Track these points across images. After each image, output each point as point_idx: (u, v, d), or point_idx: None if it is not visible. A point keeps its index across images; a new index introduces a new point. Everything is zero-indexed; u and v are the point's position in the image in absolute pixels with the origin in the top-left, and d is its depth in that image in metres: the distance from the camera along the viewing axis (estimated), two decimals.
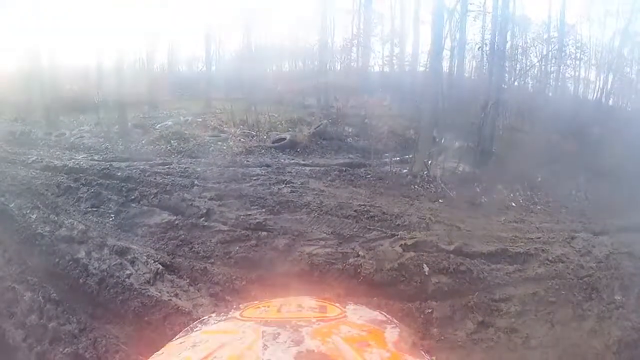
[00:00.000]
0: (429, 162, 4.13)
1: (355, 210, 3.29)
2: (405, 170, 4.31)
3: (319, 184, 3.91)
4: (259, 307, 0.76)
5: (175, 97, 6.17)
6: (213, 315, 0.76)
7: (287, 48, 6.55)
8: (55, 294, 2.79)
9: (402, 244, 2.85)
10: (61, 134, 5.12)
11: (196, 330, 0.68)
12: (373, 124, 4.96)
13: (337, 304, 0.74)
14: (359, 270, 2.68)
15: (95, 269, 2.91)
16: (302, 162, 4.54)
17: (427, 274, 2.60)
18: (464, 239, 2.95)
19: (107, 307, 2.68)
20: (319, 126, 5.01)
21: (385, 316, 0.73)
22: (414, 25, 5.87)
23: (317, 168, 4.31)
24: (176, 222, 3.31)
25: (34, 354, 2.44)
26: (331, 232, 3.04)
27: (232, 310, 0.77)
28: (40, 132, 5.18)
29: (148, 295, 2.65)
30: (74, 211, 3.49)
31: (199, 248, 3.06)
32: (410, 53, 6.01)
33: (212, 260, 2.99)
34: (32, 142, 4.94)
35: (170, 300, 2.57)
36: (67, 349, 2.46)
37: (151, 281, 2.79)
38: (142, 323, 2.55)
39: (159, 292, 2.66)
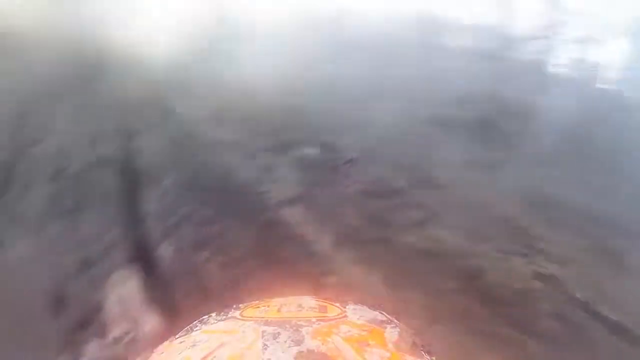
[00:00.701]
0: None
1: None
2: None
3: None
4: (259, 307, 0.77)
5: None
6: (213, 314, 0.78)
7: None
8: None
9: None
10: None
11: (196, 330, 0.69)
12: None
13: (337, 304, 0.75)
14: None
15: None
16: None
17: None
18: None
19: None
20: None
21: (386, 316, 0.74)
22: None
23: None
24: None
25: None
26: None
27: (232, 309, 0.78)
28: None
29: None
30: None
31: None
32: None
33: None
34: None
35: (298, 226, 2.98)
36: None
37: None
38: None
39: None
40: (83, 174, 3.59)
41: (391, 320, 0.71)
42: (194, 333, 0.68)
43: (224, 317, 0.74)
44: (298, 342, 0.55)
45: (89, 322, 2.36)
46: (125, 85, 5.29)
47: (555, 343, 2.23)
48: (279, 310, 0.73)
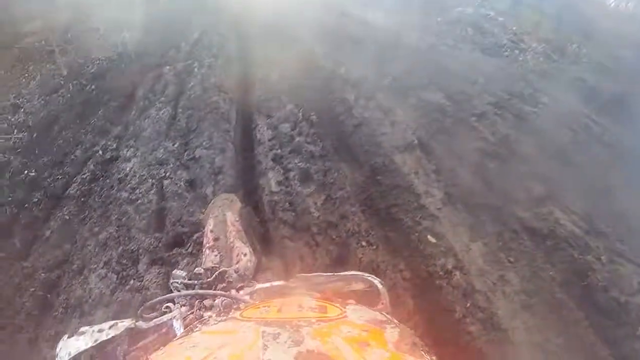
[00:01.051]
0: None
1: None
2: None
3: None
4: (259, 307, 0.76)
5: None
6: (213, 315, 0.77)
7: None
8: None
9: None
10: None
11: (196, 330, 0.69)
12: None
13: (338, 304, 0.74)
14: None
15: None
16: None
17: None
18: None
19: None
20: None
21: (386, 316, 0.73)
22: None
23: None
24: None
25: None
26: None
27: (233, 310, 0.77)
28: None
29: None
30: None
31: None
32: None
33: None
34: None
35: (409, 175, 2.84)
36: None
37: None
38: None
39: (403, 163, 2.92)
40: (201, 98, 3.67)
41: (391, 321, 0.69)
42: (194, 333, 0.67)
43: (224, 317, 0.73)
44: (298, 343, 0.55)
45: (184, 241, 2.42)
46: None
47: None
48: (279, 311, 0.71)
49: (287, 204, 2.57)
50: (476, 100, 3.75)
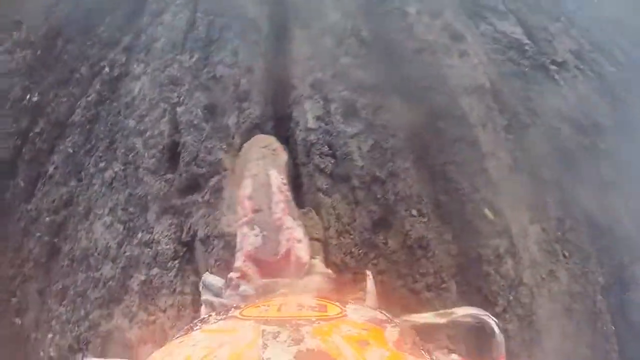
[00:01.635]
0: None
1: None
2: None
3: None
4: (259, 306, 0.78)
5: None
6: (213, 314, 0.78)
7: None
8: None
9: None
10: None
11: (196, 329, 0.71)
12: None
13: (338, 303, 0.76)
14: None
15: None
16: None
17: None
18: None
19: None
20: None
21: (386, 315, 0.74)
22: None
23: None
24: None
25: None
26: None
27: (232, 309, 0.78)
28: None
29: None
30: None
31: None
32: None
33: None
34: None
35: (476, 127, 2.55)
36: None
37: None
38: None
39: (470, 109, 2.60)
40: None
41: (391, 320, 0.71)
42: (194, 332, 0.69)
43: (224, 316, 0.74)
44: (298, 341, 0.56)
45: (200, 186, 2.23)
46: None
47: None
48: (279, 310, 0.73)
49: (325, 146, 2.29)
50: (557, 43, 3.08)
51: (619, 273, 2.33)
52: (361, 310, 0.73)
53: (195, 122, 2.42)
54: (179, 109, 2.49)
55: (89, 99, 2.82)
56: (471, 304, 2.04)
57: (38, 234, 2.37)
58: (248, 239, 1.25)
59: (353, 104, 2.45)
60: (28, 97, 2.95)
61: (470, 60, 2.76)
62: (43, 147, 2.70)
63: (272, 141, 1.74)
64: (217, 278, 1.11)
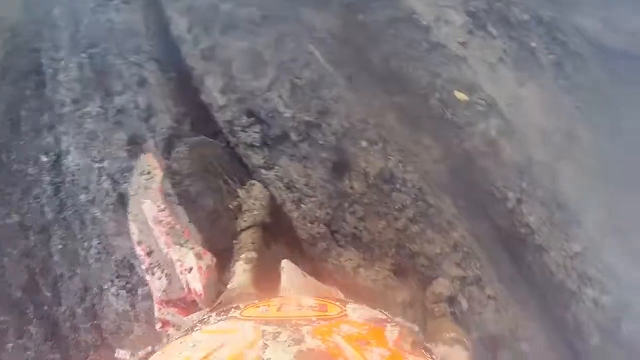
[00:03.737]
0: None
1: None
2: None
3: None
4: (258, 307, 0.81)
5: None
6: (213, 314, 0.80)
7: None
8: None
9: None
10: None
11: (196, 330, 0.73)
12: None
13: (338, 303, 0.80)
14: None
15: None
16: None
17: None
18: None
19: None
20: None
21: (386, 315, 0.79)
22: None
23: None
24: None
25: None
26: None
27: (232, 309, 0.80)
28: None
29: None
30: None
31: None
32: None
33: None
34: None
35: None
36: None
37: None
38: None
39: None
40: None
41: (391, 319, 0.77)
42: (193, 333, 0.73)
43: (224, 316, 0.79)
44: (298, 341, 0.58)
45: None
46: None
47: None
48: (279, 310, 0.78)
49: (244, 116, 1.87)
50: None
51: None
52: (361, 310, 0.77)
53: (124, 165, 2.04)
54: (105, 163, 2.17)
55: None
56: (474, 214, 1.80)
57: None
58: (154, 285, 1.30)
59: (259, 55, 2.03)
60: None
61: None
62: None
63: (148, 161, 1.66)
64: (128, 353, 1.08)
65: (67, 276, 2.56)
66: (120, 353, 1.24)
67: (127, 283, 2.28)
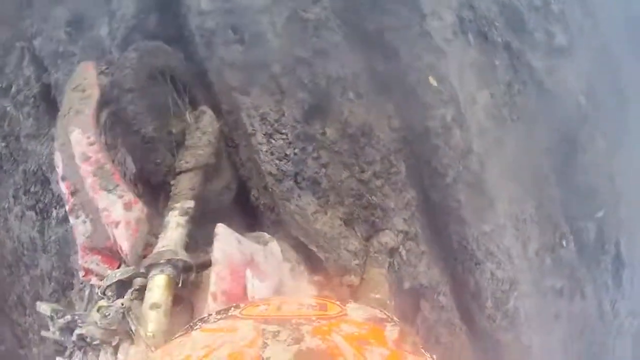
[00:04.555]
0: None
1: None
2: None
3: None
4: (258, 306, 0.80)
5: None
6: (213, 313, 0.80)
7: None
8: None
9: None
10: None
11: (196, 329, 0.72)
12: None
13: (338, 302, 0.79)
14: None
15: None
16: None
17: None
18: None
19: None
20: None
21: (386, 314, 0.78)
22: None
23: None
24: None
25: None
26: None
27: (232, 308, 0.80)
28: None
29: None
30: None
31: None
32: None
33: None
34: None
35: None
36: None
37: None
38: None
39: None
40: None
41: (391, 319, 0.75)
42: (193, 332, 0.71)
43: (224, 315, 0.77)
44: (298, 340, 0.59)
45: None
46: None
47: None
48: (279, 309, 0.76)
49: (229, 30, 1.87)
50: None
51: (565, 138, 2.54)
52: (361, 310, 0.76)
53: (60, 49, 1.92)
54: (35, 42, 1.97)
55: None
56: (422, 182, 2.11)
57: None
58: (78, 229, 1.12)
59: None
60: None
61: None
62: None
63: (85, 74, 1.33)
64: (47, 306, 1.03)
65: None
66: (41, 307, 1.05)
67: (38, 202, 2.02)
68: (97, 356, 0.93)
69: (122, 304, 0.97)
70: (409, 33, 2.12)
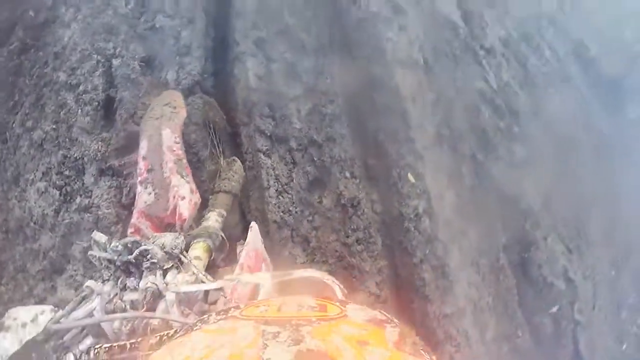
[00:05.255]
0: None
1: None
2: None
3: None
4: (258, 306, 0.80)
5: None
6: (213, 314, 0.82)
7: None
8: None
9: None
10: None
11: (196, 329, 0.72)
12: None
13: (338, 303, 0.79)
14: None
15: None
16: None
17: None
18: None
19: None
20: None
21: (386, 315, 0.77)
22: None
23: None
24: None
25: None
26: None
27: (232, 309, 0.82)
28: None
29: None
30: None
31: None
32: None
33: None
34: None
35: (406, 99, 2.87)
36: None
37: None
38: None
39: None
40: None
41: (391, 320, 0.73)
42: (193, 333, 0.70)
43: (224, 316, 0.76)
44: (298, 342, 0.58)
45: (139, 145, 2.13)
46: None
47: None
48: (279, 310, 0.75)
49: (266, 107, 2.35)
50: (489, 29, 3.46)
51: (521, 236, 2.81)
52: (361, 311, 0.75)
53: (132, 76, 2.29)
54: (114, 62, 2.32)
55: (12, 47, 2.52)
56: (394, 256, 2.48)
57: None
58: (142, 197, 1.38)
59: (294, 66, 2.49)
60: None
61: (408, 35, 2.93)
62: None
63: (175, 97, 1.74)
64: (103, 235, 1.19)
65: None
66: (97, 235, 1.16)
67: (66, 185, 2.07)
68: (146, 276, 1.06)
69: (183, 240, 1.19)
70: (397, 137, 2.53)
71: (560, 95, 3.74)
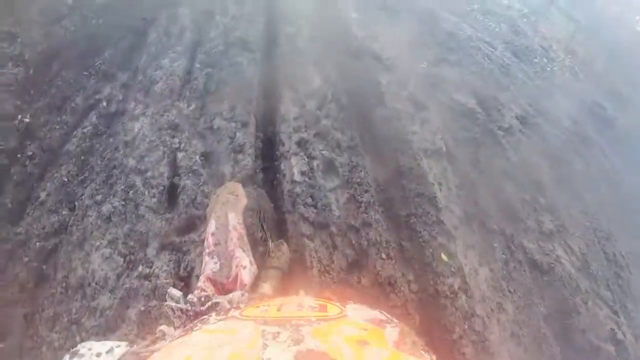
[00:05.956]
0: None
1: None
2: None
3: None
4: (258, 307, 0.81)
5: None
6: (213, 314, 0.82)
7: None
8: None
9: None
10: None
11: (196, 330, 0.73)
12: None
13: (338, 303, 0.79)
14: None
15: None
16: None
17: None
18: None
19: None
20: None
21: (386, 315, 0.78)
22: None
23: None
24: None
25: None
26: None
27: (232, 309, 0.85)
28: None
29: None
30: None
31: None
32: None
33: None
34: None
35: (433, 184, 3.27)
36: None
37: None
38: None
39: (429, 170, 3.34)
40: (223, 54, 3.62)
41: (391, 320, 0.75)
42: (193, 333, 0.72)
43: (224, 316, 0.78)
44: (298, 342, 0.58)
45: (197, 226, 2.51)
46: None
47: None
48: (279, 310, 0.76)
49: (309, 197, 2.70)
50: (505, 110, 3.89)
51: (560, 304, 2.78)
52: (361, 310, 0.76)
53: (194, 167, 2.71)
54: (179, 154, 2.77)
55: (85, 130, 2.91)
56: (432, 333, 2.63)
57: (26, 259, 2.39)
58: (209, 266, 1.59)
59: (332, 162, 2.91)
60: (19, 117, 2.91)
61: (430, 126, 3.34)
62: (34, 171, 2.75)
63: (237, 188, 2.06)
64: (178, 290, 1.35)
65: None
66: (173, 291, 1.31)
67: (131, 254, 2.31)
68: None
69: (247, 297, 1.35)
70: (428, 220, 2.76)
71: (581, 158, 3.93)
